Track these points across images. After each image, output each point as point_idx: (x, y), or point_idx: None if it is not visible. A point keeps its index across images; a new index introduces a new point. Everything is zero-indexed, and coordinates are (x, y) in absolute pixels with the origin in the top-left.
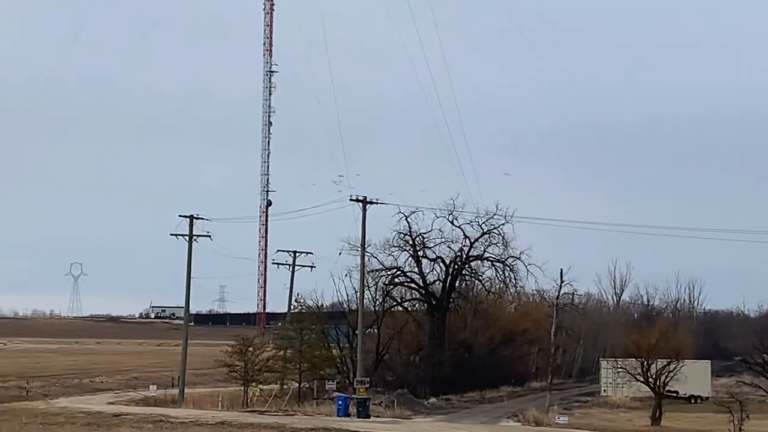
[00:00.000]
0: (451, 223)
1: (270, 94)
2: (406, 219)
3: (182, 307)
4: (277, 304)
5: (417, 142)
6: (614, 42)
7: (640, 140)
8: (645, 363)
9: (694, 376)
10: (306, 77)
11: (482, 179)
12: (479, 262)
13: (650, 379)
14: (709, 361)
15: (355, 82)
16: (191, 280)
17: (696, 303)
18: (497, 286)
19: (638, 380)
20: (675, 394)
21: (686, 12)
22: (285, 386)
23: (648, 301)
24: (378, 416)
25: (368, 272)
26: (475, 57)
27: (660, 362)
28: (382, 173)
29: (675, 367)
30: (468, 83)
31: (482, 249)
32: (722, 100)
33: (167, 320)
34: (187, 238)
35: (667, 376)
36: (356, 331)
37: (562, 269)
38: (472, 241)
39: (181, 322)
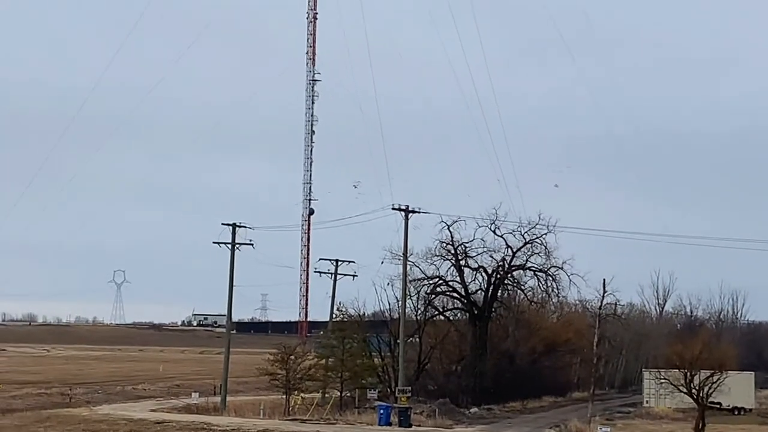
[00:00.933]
0: (494, 232)
1: (313, 102)
2: (449, 228)
3: (224, 315)
4: (319, 313)
5: (460, 151)
6: (659, 51)
7: (684, 150)
8: (688, 374)
9: (737, 388)
10: (349, 86)
11: (525, 188)
12: (521, 271)
13: (693, 391)
14: (752, 372)
15: (398, 91)
16: (233, 288)
17: (739, 314)
18: (539, 296)
19: (681, 391)
20: (718, 406)
21: (728, 26)
22: (326, 395)
23: (691, 312)
24: (419, 425)
25: (410, 281)
26: (517, 64)
27: (703, 373)
28: (425, 182)
29: (718, 379)
30: (511, 91)
31: (524, 258)
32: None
33: (209, 328)
34: (229, 246)
35: (710, 388)
36: (398, 340)
37: (604, 279)
38: (515, 250)
39: (223, 330)
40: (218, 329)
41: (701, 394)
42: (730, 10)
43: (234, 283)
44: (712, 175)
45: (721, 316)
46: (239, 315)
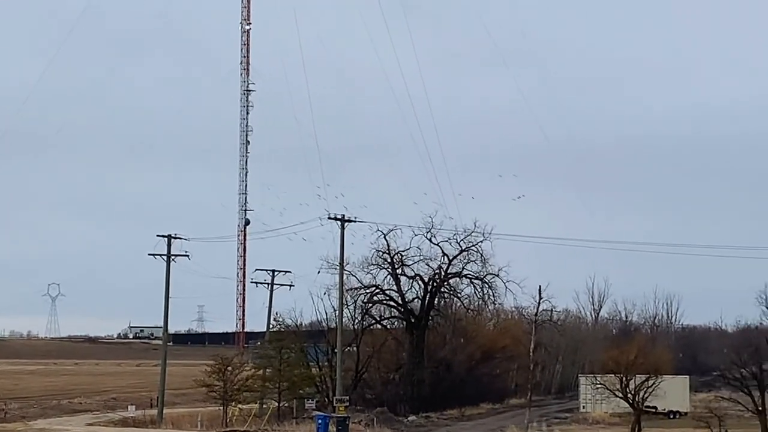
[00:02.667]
0: (430, 240)
1: (247, 113)
2: (385, 237)
3: (161, 327)
4: (256, 323)
5: (396, 160)
6: (595, 59)
7: (618, 158)
8: (623, 379)
9: (672, 392)
10: (284, 95)
11: (460, 196)
12: (458, 279)
13: (629, 395)
14: (687, 376)
15: (334, 100)
16: (169, 299)
17: (674, 318)
18: (476, 304)
19: (617, 396)
20: (654, 410)
21: (668, 33)
22: (264, 405)
23: (626, 317)
24: None
25: (347, 290)
26: (453, 74)
27: (638, 378)
28: (361, 191)
29: (653, 383)
30: (446, 100)
31: (461, 266)
32: (701, 120)
33: (146, 340)
34: (165, 257)
35: (645, 392)
36: (335, 350)
37: (540, 286)
38: (451, 258)
39: (160, 342)
40: (155, 341)
41: (637, 399)
42: (674, 20)
43: (170, 295)
44: (645, 181)
45: (656, 321)
46: (176, 327)
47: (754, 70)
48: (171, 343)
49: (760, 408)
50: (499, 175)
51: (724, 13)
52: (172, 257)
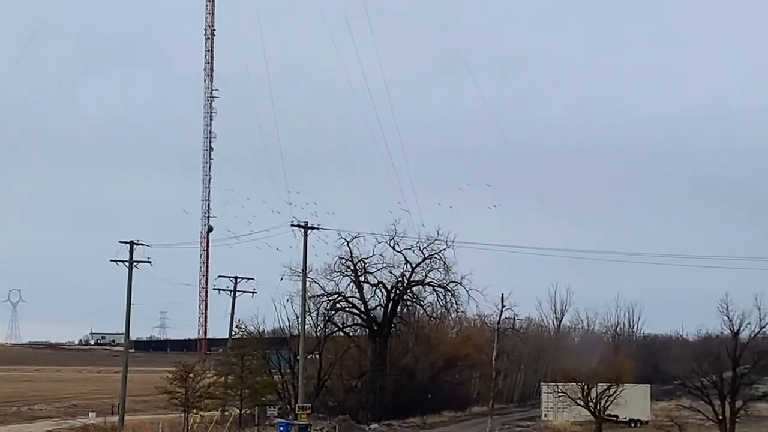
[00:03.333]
0: (393, 248)
1: (211, 119)
2: (348, 244)
3: (122, 334)
4: (219, 330)
5: (360, 168)
6: (558, 68)
7: (581, 167)
8: (585, 387)
9: (633, 400)
10: (247, 102)
11: (425, 204)
12: (421, 287)
13: (590, 404)
14: (648, 385)
15: (298, 107)
16: (131, 306)
17: (635, 327)
18: (439, 311)
19: (579, 404)
20: (615, 418)
21: (630, 42)
22: (226, 413)
23: (588, 326)
24: None
25: (310, 298)
26: (417, 80)
27: (600, 386)
28: (325, 198)
29: (615, 391)
30: (410, 107)
31: (424, 274)
32: (662, 129)
33: (107, 347)
34: (127, 264)
35: (607, 400)
36: (298, 357)
37: (503, 294)
38: (414, 266)
39: (122, 348)
40: (116, 348)
41: (598, 407)
42: (636, 30)
43: (132, 302)
44: (608, 190)
45: (618, 330)
46: (138, 333)
47: (710, 79)
48: (132, 350)
49: (720, 417)
50: (468, 183)
51: (686, 23)
52: (135, 263)
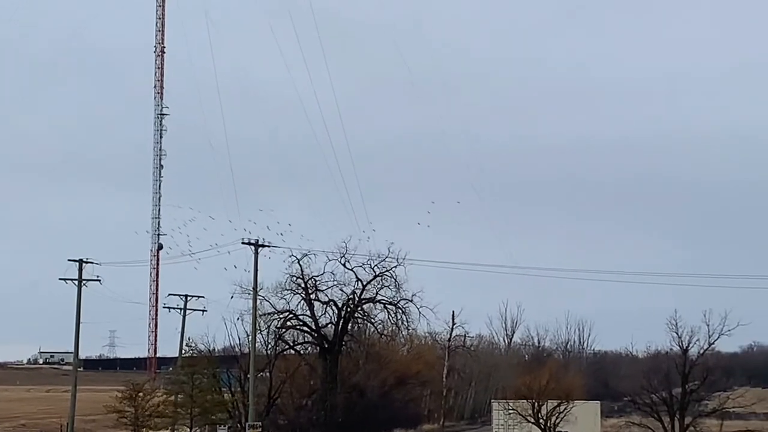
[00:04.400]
0: (344, 265)
1: (161, 137)
2: (298, 262)
3: (71, 353)
4: (169, 349)
5: (312, 186)
6: (507, 87)
7: (530, 184)
8: (536, 404)
9: (583, 417)
10: (198, 120)
11: (375, 222)
12: (371, 304)
13: (541, 421)
14: (598, 401)
15: (249, 125)
16: (81, 325)
17: (586, 344)
18: (389, 329)
19: (529, 421)
20: None
21: (577, 61)
22: (176, 431)
23: (539, 343)
24: None
25: (260, 316)
26: (368, 100)
27: (550, 403)
28: (276, 217)
29: (565, 408)
30: (362, 126)
31: (374, 292)
32: (610, 147)
33: (56, 366)
34: (76, 282)
35: (557, 417)
36: (248, 375)
37: (453, 311)
38: (365, 283)
39: (71, 367)
40: (65, 367)
41: (548, 424)
42: (584, 48)
43: (81, 320)
44: (558, 207)
45: (568, 347)
46: (87, 352)
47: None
48: (82, 369)
49: None
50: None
51: (631, 40)
52: (84, 282)
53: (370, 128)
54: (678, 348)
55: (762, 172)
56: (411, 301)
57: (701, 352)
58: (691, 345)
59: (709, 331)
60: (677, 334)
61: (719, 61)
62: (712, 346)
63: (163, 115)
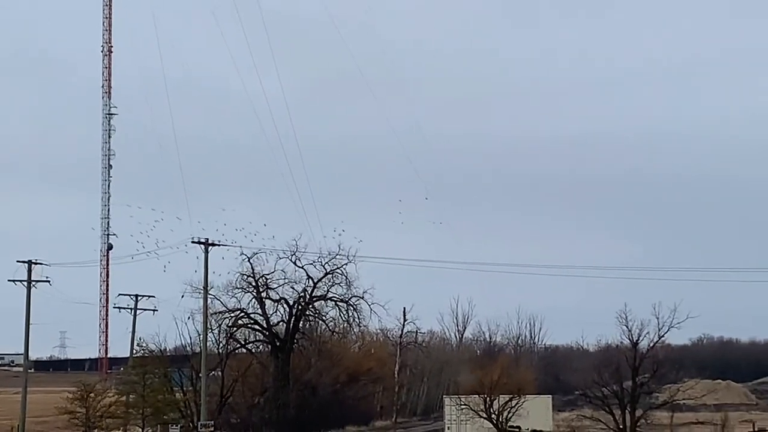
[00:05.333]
0: (294, 263)
1: (109, 136)
2: (249, 260)
3: (21, 354)
4: (120, 349)
5: (261, 184)
6: (461, 86)
7: (481, 179)
8: (487, 399)
9: (535, 411)
10: (147, 120)
11: (325, 220)
12: (323, 302)
13: (493, 415)
14: (550, 396)
15: (199, 125)
16: (30, 326)
17: (537, 338)
18: (341, 326)
19: (481, 416)
20: (517, 430)
21: (533, 61)
22: None
23: (490, 338)
24: None
25: (211, 315)
26: (321, 101)
27: (502, 398)
28: (227, 216)
29: (517, 403)
30: (312, 124)
31: (326, 289)
32: (563, 148)
33: (6, 367)
34: (25, 283)
35: (509, 412)
36: (200, 374)
37: (405, 308)
38: (316, 281)
39: (21, 369)
40: (16, 368)
41: (501, 419)
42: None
43: (31, 321)
44: (508, 204)
45: (519, 341)
46: (37, 353)
47: (621, 104)
48: (32, 370)
49: (621, 426)
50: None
51: (588, 36)
52: (33, 283)
53: (322, 126)
54: (628, 341)
55: (710, 166)
56: (362, 298)
57: (651, 345)
58: (641, 338)
59: (658, 324)
60: (627, 327)
61: (669, 57)
62: (662, 338)
63: (111, 114)
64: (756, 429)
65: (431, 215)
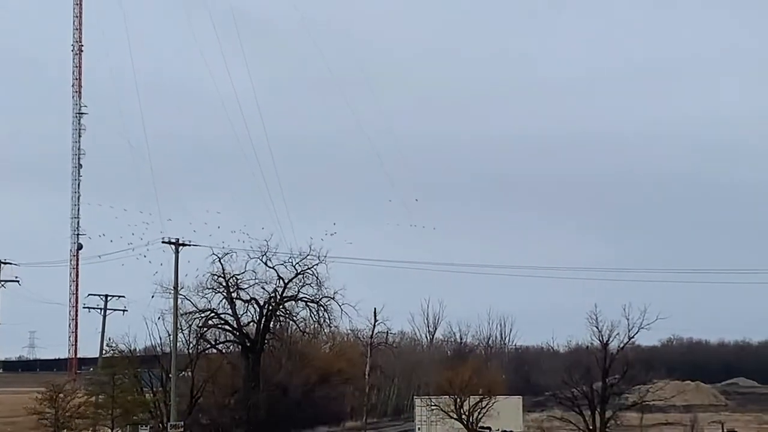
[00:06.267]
0: (265, 264)
1: (80, 136)
2: (220, 261)
3: None
4: (90, 349)
5: (232, 184)
6: (428, 85)
7: (452, 180)
8: (458, 400)
9: (506, 412)
10: (117, 119)
11: (296, 220)
12: (293, 302)
13: (463, 416)
14: (520, 396)
15: (171, 124)
16: None
17: (507, 339)
18: (312, 327)
19: (451, 417)
20: (488, 430)
21: (501, 62)
22: None
23: (461, 339)
24: None
25: (181, 315)
26: (290, 99)
27: (473, 399)
28: (198, 216)
29: (487, 404)
30: (283, 124)
31: (296, 289)
32: (529, 144)
33: None
34: None
35: (479, 413)
36: (170, 375)
37: (375, 308)
38: (286, 281)
39: None
40: None
41: (471, 420)
42: (515, 51)
43: (0, 322)
44: (478, 204)
45: (490, 342)
46: (6, 353)
47: (592, 105)
48: (1, 371)
49: (591, 427)
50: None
51: (551, 37)
52: (2, 283)
53: (292, 126)
54: (598, 342)
55: (680, 167)
56: (333, 298)
57: (621, 346)
58: (611, 339)
59: (628, 325)
60: (597, 328)
61: (636, 58)
62: (632, 340)
63: (82, 113)
64: (725, 430)
65: (401, 215)
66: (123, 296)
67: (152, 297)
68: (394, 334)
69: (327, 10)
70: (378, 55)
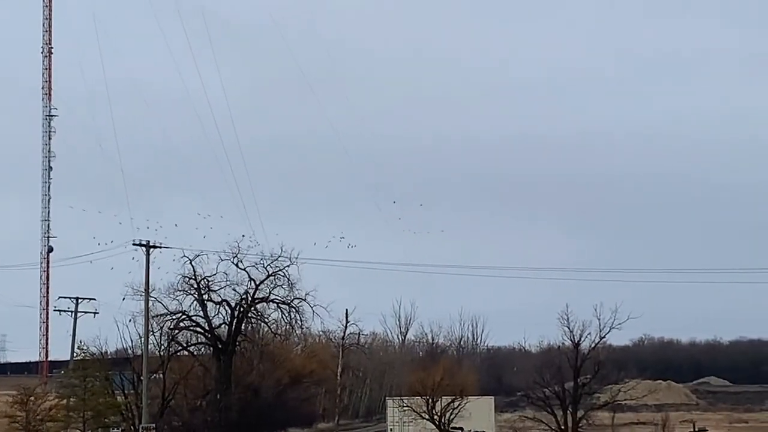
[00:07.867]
0: (236, 265)
1: (50, 138)
2: (191, 262)
3: None
4: (61, 352)
5: (204, 186)
6: (399, 87)
7: (421, 180)
8: (430, 401)
9: (478, 413)
10: (88, 121)
11: (267, 222)
12: (265, 304)
13: (435, 417)
14: (492, 397)
15: (141, 127)
16: None
17: (479, 340)
18: (283, 328)
19: (423, 418)
20: (460, 431)
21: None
22: None
23: (433, 340)
24: None
25: (153, 317)
26: (261, 101)
27: (445, 399)
28: (169, 218)
29: (459, 404)
30: (255, 127)
31: (268, 291)
32: (504, 145)
33: None
34: None
35: (451, 413)
36: (141, 377)
37: (347, 309)
38: (258, 283)
39: None
40: None
41: (443, 420)
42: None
43: None
44: (451, 204)
45: (462, 343)
46: None
47: (565, 104)
48: None
49: (563, 427)
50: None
51: (523, 38)
52: None
53: (264, 127)
54: (570, 342)
55: (653, 166)
56: (304, 300)
57: (593, 345)
58: (582, 339)
59: (600, 325)
60: (569, 328)
61: (609, 57)
62: (604, 339)
63: (52, 116)
64: (696, 429)
65: (373, 215)
66: (94, 299)
67: (123, 299)
68: (366, 335)
69: (299, 11)
70: (349, 55)
